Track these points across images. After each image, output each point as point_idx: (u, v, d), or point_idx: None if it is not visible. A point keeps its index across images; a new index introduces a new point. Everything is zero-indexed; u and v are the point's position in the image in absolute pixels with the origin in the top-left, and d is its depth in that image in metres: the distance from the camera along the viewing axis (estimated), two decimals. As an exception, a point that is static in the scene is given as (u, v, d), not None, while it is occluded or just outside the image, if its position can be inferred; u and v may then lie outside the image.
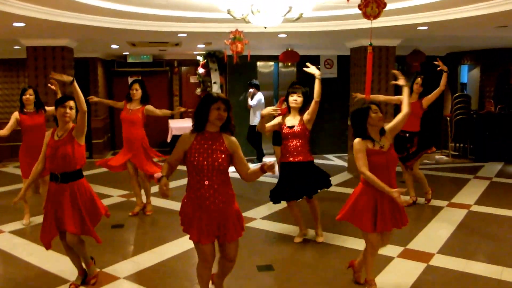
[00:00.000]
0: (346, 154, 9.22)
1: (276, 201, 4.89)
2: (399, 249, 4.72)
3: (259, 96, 9.55)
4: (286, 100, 4.73)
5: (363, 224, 3.53)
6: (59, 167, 3.65)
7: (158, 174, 3.08)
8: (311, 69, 4.77)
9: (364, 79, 8.00)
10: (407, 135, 6.29)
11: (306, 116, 4.66)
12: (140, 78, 11.41)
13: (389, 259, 4.45)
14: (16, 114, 5.62)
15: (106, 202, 6.53)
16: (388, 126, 3.61)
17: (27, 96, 5.61)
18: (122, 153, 5.99)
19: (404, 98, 3.74)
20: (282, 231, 5.41)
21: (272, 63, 10.71)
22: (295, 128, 4.60)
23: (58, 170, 3.66)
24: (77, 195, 3.69)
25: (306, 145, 4.73)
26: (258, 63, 10.54)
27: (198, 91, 10.99)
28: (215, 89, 10.28)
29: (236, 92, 10.27)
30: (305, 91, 4.69)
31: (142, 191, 6.15)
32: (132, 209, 6.16)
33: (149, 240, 5.19)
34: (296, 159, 4.68)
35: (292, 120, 4.65)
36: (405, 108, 3.67)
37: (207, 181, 3.02)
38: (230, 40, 6.39)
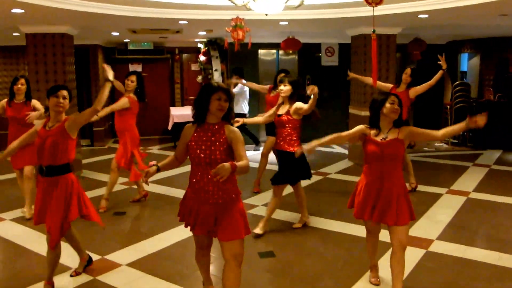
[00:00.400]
0: (347, 142, 9.17)
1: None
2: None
3: (242, 84, 9.51)
4: (274, 88, 4.74)
5: (355, 209, 3.58)
6: (45, 159, 3.43)
7: (154, 162, 3.00)
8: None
9: (364, 67, 7.96)
10: None
11: (294, 107, 4.64)
12: (141, 67, 11.47)
13: (388, 245, 4.43)
14: (3, 103, 5.42)
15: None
16: (416, 129, 3.46)
17: (19, 85, 5.33)
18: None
19: (450, 129, 3.39)
20: (283, 218, 5.41)
21: (274, 51, 10.61)
22: (282, 117, 4.64)
23: (44, 162, 3.44)
24: (58, 190, 3.47)
25: (292, 135, 4.70)
26: (260, 51, 10.45)
27: (199, 78, 10.92)
28: (216, 76, 10.21)
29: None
30: (293, 81, 4.67)
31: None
32: (133, 196, 6.16)
33: (151, 228, 5.19)
34: (278, 148, 4.80)
35: (283, 109, 4.67)
36: (439, 134, 3.36)
37: (206, 175, 2.90)
38: (231, 28, 6.32)
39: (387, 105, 3.32)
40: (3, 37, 9.46)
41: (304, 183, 6.97)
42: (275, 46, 10.11)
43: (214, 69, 10.26)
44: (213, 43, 10.24)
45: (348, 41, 8.90)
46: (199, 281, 3.85)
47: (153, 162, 3.00)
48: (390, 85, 6.43)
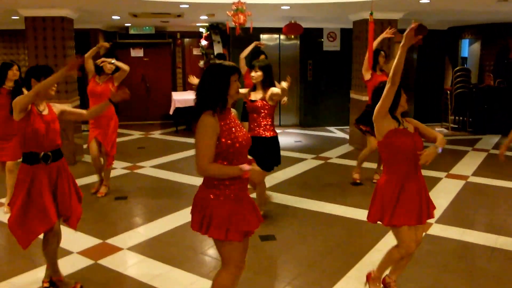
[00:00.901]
0: (348, 127, 9.12)
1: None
2: None
3: None
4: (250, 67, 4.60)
5: (397, 218, 2.94)
6: (47, 145, 3.18)
7: (245, 166, 2.47)
8: None
9: (366, 51, 7.83)
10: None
11: (270, 92, 4.42)
12: (142, 52, 11.34)
13: (387, 228, 4.41)
14: None
15: (111, 174, 6.43)
16: (420, 124, 3.12)
17: (14, 71, 4.91)
18: (90, 130, 5.59)
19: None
20: (283, 201, 5.37)
21: (276, 36, 10.46)
22: (257, 103, 4.47)
23: (47, 148, 3.18)
24: (68, 173, 3.34)
25: (268, 120, 4.54)
26: (262, 36, 10.31)
27: (201, 63, 10.80)
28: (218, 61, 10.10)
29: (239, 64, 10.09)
30: (264, 66, 4.47)
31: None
32: (134, 180, 6.13)
33: (152, 212, 5.15)
34: (252, 134, 4.44)
35: (256, 95, 4.52)
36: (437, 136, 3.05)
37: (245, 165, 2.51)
38: (232, 12, 6.22)
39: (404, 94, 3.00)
40: (3, 21, 9.33)
41: (305, 167, 6.99)
42: (277, 31, 9.97)
43: (216, 53, 10.14)
44: (215, 28, 10.10)
45: (350, 26, 8.77)
46: (199, 264, 3.84)
47: (245, 167, 2.49)
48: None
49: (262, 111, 4.47)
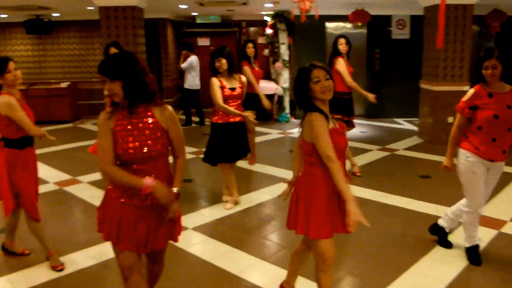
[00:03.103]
0: (417, 119, 8.87)
1: (213, 163, 4.89)
2: None
3: (192, 59, 9.51)
4: (211, 64, 4.66)
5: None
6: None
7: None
8: None
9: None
10: (347, 97, 5.88)
11: (244, 79, 4.82)
12: (208, 41, 11.63)
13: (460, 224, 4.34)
14: None
15: None
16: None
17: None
18: None
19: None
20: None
21: (342, 24, 10.35)
22: (236, 91, 4.66)
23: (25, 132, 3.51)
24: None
25: (242, 106, 4.83)
26: (327, 24, 10.25)
27: (266, 52, 10.93)
28: (283, 49, 10.18)
29: (304, 53, 10.11)
30: (225, 53, 4.62)
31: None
32: (200, 165, 6.37)
33: (216, 195, 5.36)
34: (237, 119, 4.72)
35: (232, 82, 4.67)
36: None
37: None
38: (298, -2, 6.26)
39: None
40: (79, 11, 9.99)
41: (370, 158, 6.93)
42: (343, 18, 9.86)
43: (281, 42, 10.23)
44: (280, 16, 10.17)
45: (420, 13, 8.50)
46: (260, 247, 3.99)
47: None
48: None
49: (240, 97, 4.75)
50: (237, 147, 4.80)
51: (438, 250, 3.88)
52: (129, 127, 2.34)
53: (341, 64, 5.72)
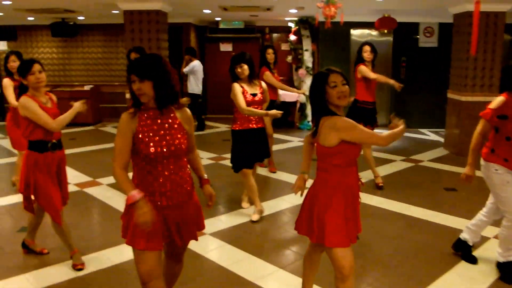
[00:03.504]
0: (443, 130, 8.73)
1: (238, 169, 4.81)
2: (495, 229, 4.39)
3: (194, 63, 9.52)
4: (232, 69, 4.64)
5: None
6: (56, 134, 3.55)
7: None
8: None
9: (468, 48, 7.46)
10: (370, 106, 5.84)
11: (264, 85, 4.82)
12: (231, 47, 11.69)
13: (484, 239, 4.24)
14: (10, 82, 5.09)
15: None
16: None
17: (11, 63, 5.13)
18: None
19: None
20: (365, 201, 5.30)
21: (367, 31, 10.29)
22: (257, 96, 4.64)
23: (56, 137, 3.56)
24: (65, 161, 3.74)
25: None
26: (352, 31, 10.20)
27: (289, 58, 10.92)
28: (307, 56, 10.16)
29: (328, 61, 10.07)
30: (247, 59, 4.65)
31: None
32: (219, 170, 6.38)
33: (234, 201, 5.36)
34: (259, 125, 4.74)
35: (253, 88, 4.66)
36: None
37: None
38: (323, 3, 6.25)
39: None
40: (104, 15, 10.19)
41: (393, 168, 6.83)
42: (369, 25, 9.81)
43: (304, 49, 10.22)
44: (304, 22, 10.18)
45: (449, 21, 8.39)
46: (278, 256, 3.96)
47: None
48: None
49: (261, 103, 4.73)
50: (258, 152, 4.81)
51: (463, 265, 3.78)
52: (154, 127, 2.41)
53: (363, 70, 5.67)
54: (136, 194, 2.30)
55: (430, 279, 3.54)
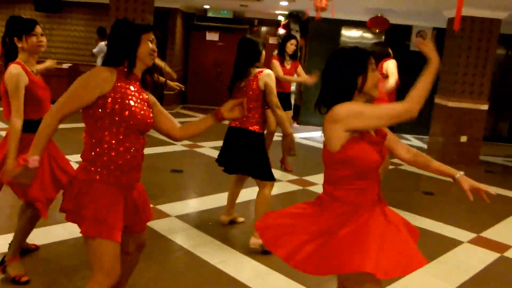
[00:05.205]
0: (427, 137, 8.80)
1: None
2: (471, 235, 4.55)
3: (103, 43, 9.22)
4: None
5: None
6: (46, 109, 2.91)
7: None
8: None
9: (459, 53, 7.55)
10: None
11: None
12: (218, 36, 11.69)
13: (457, 243, 4.31)
14: None
15: (170, 149, 6.88)
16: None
17: None
18: None
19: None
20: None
21: (358, 30, 10.33)
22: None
23: (44, 113, 2.61)
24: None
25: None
26: (343, 29, 10.22)
27: (276, 52, 10.92)
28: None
29: (315, 57, 10.10)
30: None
31: None
32: (192, 157, 6.38)
33: (204, 187, 5.42)
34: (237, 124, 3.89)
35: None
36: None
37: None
38: (314, -6, 6.26)
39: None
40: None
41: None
42: (361, 25, 9.86)
43: (293, 43, 10.23)
44: (294, 16, 10.21)
45: (444, 26, 8.46)
46: (239, 241, 3.96)
47: None
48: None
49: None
50: (232, 155, 3.92)
51: (437, 266, 3.80)
52: (137, 95, 2.23)
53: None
54: (37, 161, 2.09)
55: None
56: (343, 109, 1.97)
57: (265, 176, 3.77)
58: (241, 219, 4.35)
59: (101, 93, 2.10)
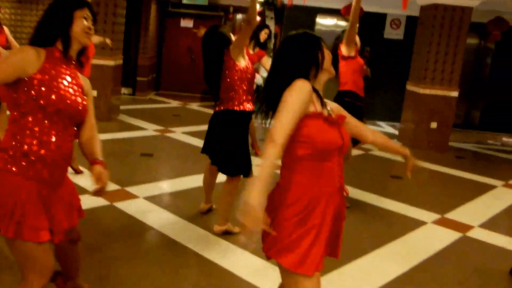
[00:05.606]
0: (399, 123, 8.96)
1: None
2: (435, 216, 4.68)
3: None
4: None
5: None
6: None
7: None
8: None
9: (431, 40, 7.69)
10: (358, 103, 4.99)
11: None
12: (192, 24, 11.65)
13: (420, 223, 4.43)
14: None
15: (141, 134, 6.91)
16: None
17: None
18: None
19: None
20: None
21: (334, 21, 10.40)
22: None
23: None
24: None
25: None
26: (318, 20, 10.29)
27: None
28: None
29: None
30: None
31: None
32: (163, 142, 6.40)
33: (174, 170, 5.49)
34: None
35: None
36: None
37: None
38: (287, -21, 6.30)
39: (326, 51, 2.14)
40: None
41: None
42: (335, 12, 9.93)
43: (267, 30, 10.26)
44: (269, 4, 10.23)
45: (417, 14, 8.59)
46: (211, 222, 3.99)
47: None
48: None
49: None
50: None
51: (397, 244, 3.90)
52: (62, 76, 2.02)
53: None
54: None
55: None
56: (293, 89, 1.87)
57: (226, 170, 3.63)
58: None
59: (25, 74, 1.89)
